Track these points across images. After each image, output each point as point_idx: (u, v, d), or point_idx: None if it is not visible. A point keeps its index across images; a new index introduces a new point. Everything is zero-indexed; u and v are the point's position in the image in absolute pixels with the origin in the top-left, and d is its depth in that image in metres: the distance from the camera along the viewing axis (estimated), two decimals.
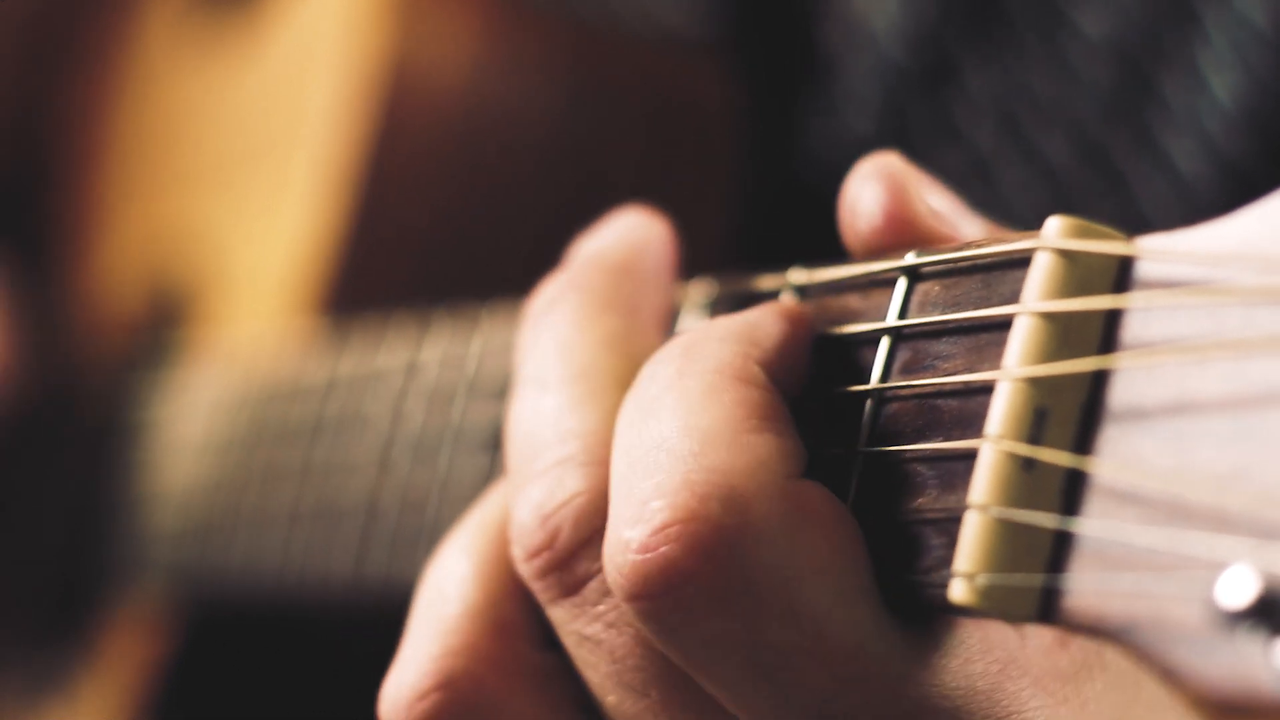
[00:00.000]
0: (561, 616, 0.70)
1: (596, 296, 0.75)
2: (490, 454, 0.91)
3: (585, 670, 0.70)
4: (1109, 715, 0.59)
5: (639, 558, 0.63)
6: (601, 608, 0.69)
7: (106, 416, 1.52)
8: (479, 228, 1.30)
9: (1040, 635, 0.63)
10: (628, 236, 0.79)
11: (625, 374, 0.71)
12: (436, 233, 1.30)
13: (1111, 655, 0.60)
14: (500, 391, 0.91)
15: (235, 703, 1.38)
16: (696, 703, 0.68)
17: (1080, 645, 0.61)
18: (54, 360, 1.61)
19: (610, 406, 0.71)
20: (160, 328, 1.52)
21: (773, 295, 0.73)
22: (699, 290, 0.79)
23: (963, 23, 1.22)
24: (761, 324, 0.70)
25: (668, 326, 0.77)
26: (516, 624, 0.73)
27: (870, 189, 0.72)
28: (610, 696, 0.69)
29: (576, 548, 0.69)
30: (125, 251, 1.62)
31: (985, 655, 0.63)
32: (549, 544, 0.69)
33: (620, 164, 1.33)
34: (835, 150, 1.28)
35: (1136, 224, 1.13)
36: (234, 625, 1.34)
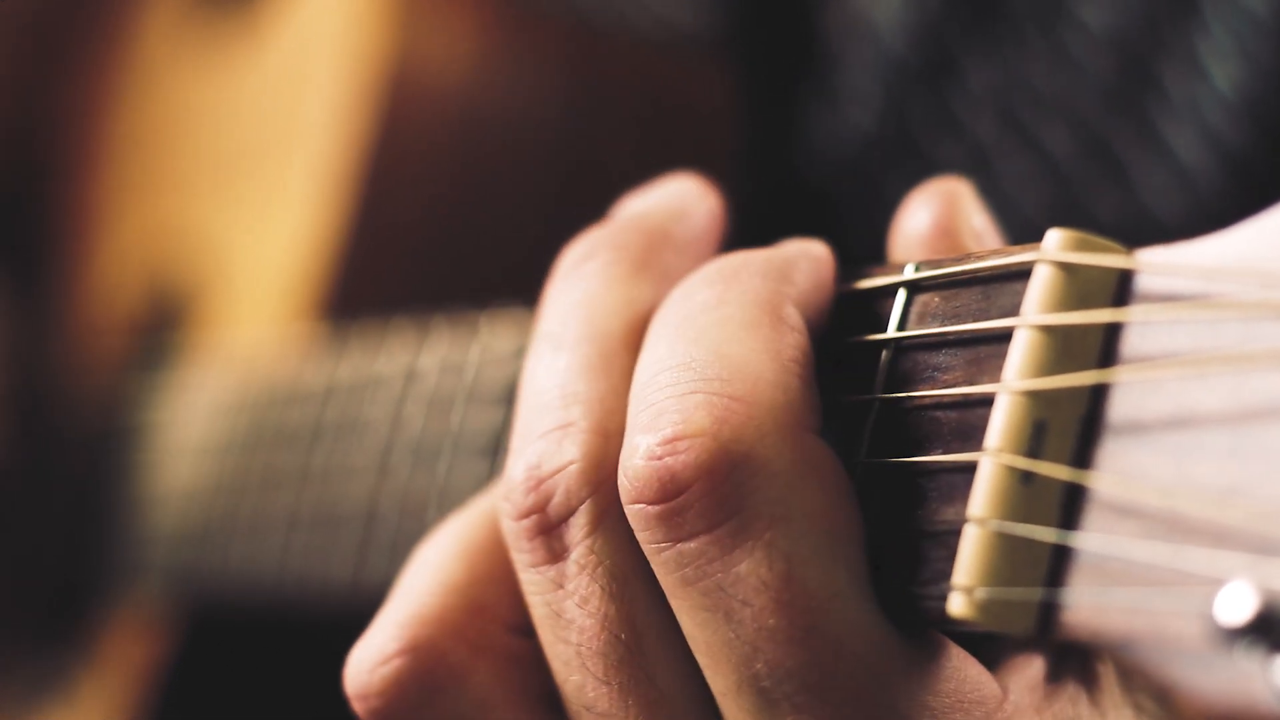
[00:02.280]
0: (537, 585, 0.70)
1: (629, 256, 0.75)
2: (489, 460, 0.91)
3: (553, 647, 0.70)
4: None
5: (644, 463, 0.64)
6: (573, 585, 0.69)
7: (106, 418, 1.52)
8: (477, 228, 1.30)
9: (1021, 695, 0.64)
10: (673, 202, 0.79)
11: (642, 342, 0.71)
12: (435, 233, 1.30)
13: None
14: (500, 398, 0.91)
15: (234, 705, 1.38)
16: (652, 695, 0.68)
17: (1054, 715, 0.62)
18: (40, 366, 1.60)
19: (622, 374, 0.71)
20: (160, 329, 1.52)
21: None
22: None
23: (964, 16, 1.22)
24: (797, 263, 0.71)
25: None
26: (493, 607, 0.73)
27: (928, 200, 0.74)
28: (574, 676, 0.69)
29: (566, 515, 0.69)
30: (125, 253, 1.62)
31: (954, 678, 0.63)
32: (540, 507, 0.69)
33: (618, 164, 1.33)
34: (836, 144, 1.28)
35: (1138, 215, 1.14)
36: (233, 627, 1.34)
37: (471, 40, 1.32)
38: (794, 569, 0.63)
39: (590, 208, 1.31)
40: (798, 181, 1.31)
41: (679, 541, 0.64)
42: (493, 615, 0.73)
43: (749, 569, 0.63)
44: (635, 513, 0.65)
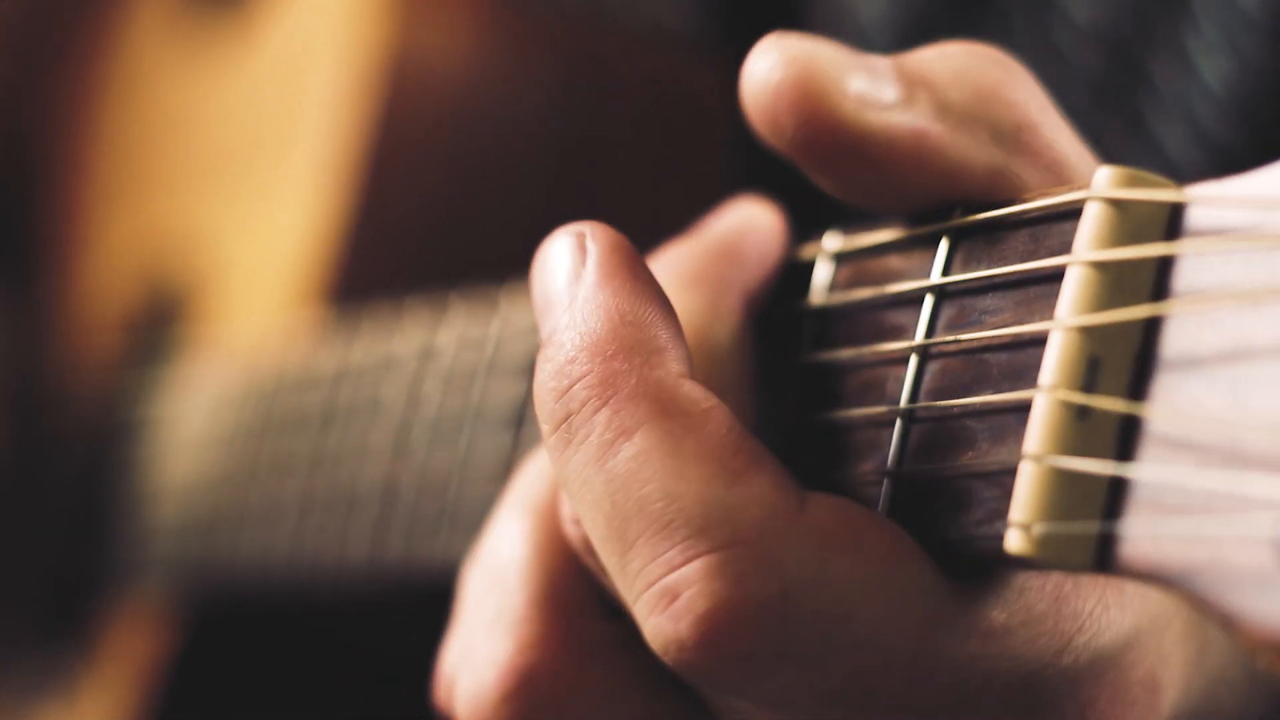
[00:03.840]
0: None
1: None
2: (513, 431, 0.90)
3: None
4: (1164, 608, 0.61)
5: (694, 653, 0.63)
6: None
7: (105, 414, 1.51)
8: (476, 221, 1.30)
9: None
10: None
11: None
12: (434, 225, 1.30)
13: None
14: (523, 369, 0.91)
15: (237, 701, 1.37)
16: None
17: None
18: (37, 363, 1.59)
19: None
20: (158, 326, 1.52)
21: (808, 266, 0.73)
22: None
23: (951, 13, 1.22)
24: (646, 318, 0.66)
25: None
26: (579, 602, 0.73)
27: (785, 103, 0.66)
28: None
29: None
30: (120, 250, 1.61)
31: (1036, 581, 0.64)
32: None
33: (617, 154, 1.33)
34: None
35: None
36: (237, 623, 1.34)
37: (470, 32, 1.32)
38: (882, 640, 0.63)
39: (588, 197, 1.32)
40: (790, 179, 1.31)
41: (765, 683, 0.64)
42: (581, 611, 0.73)
43: (845, 667, 0.63)
44: (707, 683, 0.65)
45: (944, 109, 0.65)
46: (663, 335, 0.66)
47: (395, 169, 1.29)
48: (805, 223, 1.31)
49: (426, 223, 1.30)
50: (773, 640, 0.62)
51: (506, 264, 1.30)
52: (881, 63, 0.65)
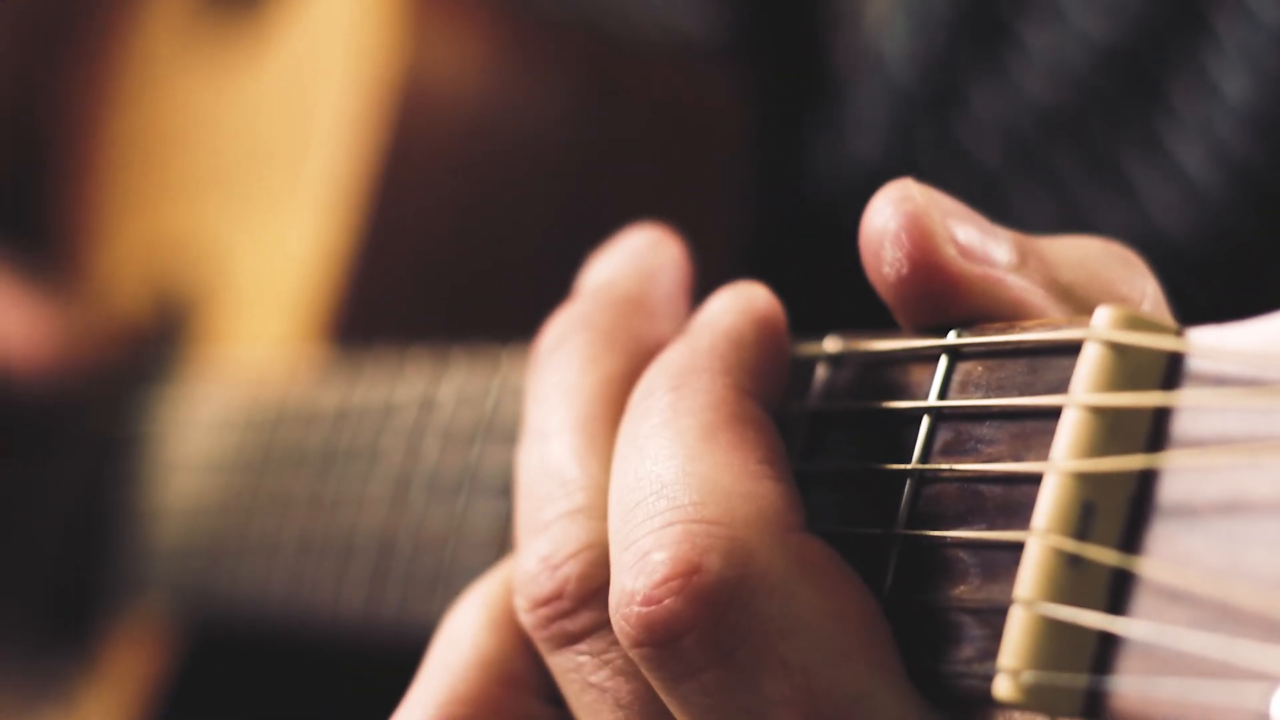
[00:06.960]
0: (565, 664, 0.70)
1: (601, 334, 0.75)
2: (508, 500, 0.90)
3: (587, 718, 0.70)
4: None
5: (644, 610, 0.64)
6: (609, 655, 0.69)
7: (109, 426, 1.51)
8: (492, 242, 1.29)
9: None
10: (637, 264, 0.78)
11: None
12: (447, 245, 1.29)
13: None
14: (518, 436, 0.90)
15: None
16: None
17: None
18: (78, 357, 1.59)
19: (611, 453, 0.71)
20: (165, 337, 1.51)
21: (808, 364, 0.72)
22: None
23: (969, 42, 1.21)
24: (742, 338, 0.70)
25: None
26: (525, 678, 0.74)
27: (891, 238, 0.67)
28: None
29: (585, 598, 0.69)
30: (128, 258, 1.61)
31: None
32: (558, 594, 0.69)
33: (633, 175, 1.32)
34: (842, 174, 1.27)
35: (1146, 233, 1.13)
36: (236, 645, 1.33)
37: (484, 49, 1.31)
38: (812, 680, 0.62)
39: (602, 215, 1.31)
40: (806, 208, 1.30)
41: (696, 674, 0.64)
42: (524, 686, 0.73)
43: (771, 689, 0.63)
44: (642, 655, 0.64)
45: (1053, 282, 0.68)
46: (750, 356, 0.70)
47: (406, 189, 1.28)
48: (809, 245, 1.31)
49: (438, 245, 1.29)
50: (718, 621, 0.63)
51: (523, 286, 1.30)
52: (1000, 229, 0.69)
